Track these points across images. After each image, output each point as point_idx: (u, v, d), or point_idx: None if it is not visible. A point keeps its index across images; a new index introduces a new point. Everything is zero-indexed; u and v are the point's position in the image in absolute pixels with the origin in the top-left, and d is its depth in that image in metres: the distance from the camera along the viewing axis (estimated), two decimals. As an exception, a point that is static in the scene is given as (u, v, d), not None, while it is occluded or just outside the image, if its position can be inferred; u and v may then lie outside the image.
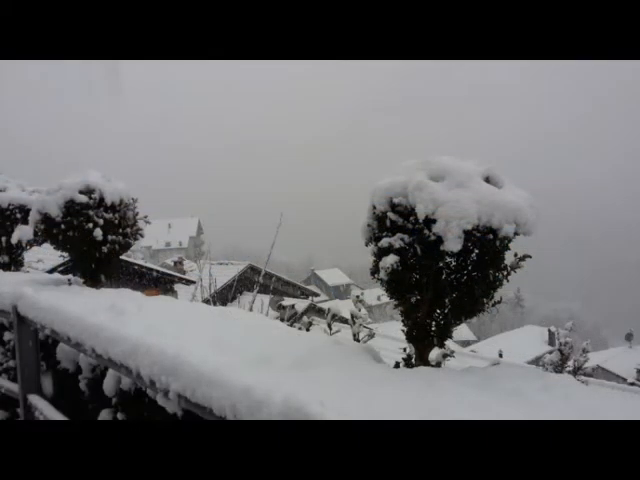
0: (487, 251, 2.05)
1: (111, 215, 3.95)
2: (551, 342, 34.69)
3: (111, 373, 2.53)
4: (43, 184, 4.53)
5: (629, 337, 38.12)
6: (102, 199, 3.90)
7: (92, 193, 3.86)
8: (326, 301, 32.88)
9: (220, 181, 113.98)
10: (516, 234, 2.05)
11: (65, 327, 2.50)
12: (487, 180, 2.13)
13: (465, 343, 37.51)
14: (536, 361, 24.16)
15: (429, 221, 1.98)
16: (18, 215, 5.25)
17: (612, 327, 57.95)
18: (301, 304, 16.37)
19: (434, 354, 2.39)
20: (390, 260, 2.05)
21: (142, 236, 4.27)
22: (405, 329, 2.27)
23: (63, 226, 3.77)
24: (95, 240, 3.85)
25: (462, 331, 40.33)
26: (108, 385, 2.55)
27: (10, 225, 5.21)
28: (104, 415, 2.61)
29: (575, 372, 9.35)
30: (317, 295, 27.41)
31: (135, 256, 18.82)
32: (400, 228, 2.08)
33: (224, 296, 15.22)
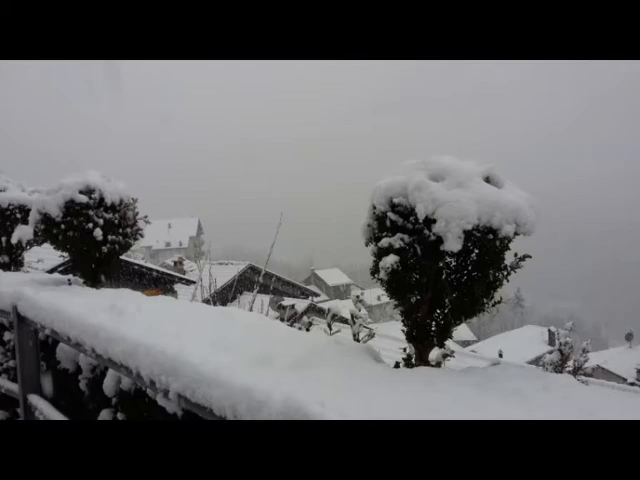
0: (487, 251, 2.05)
1: (111, 215, 3.95)
2: (551, 342, 34.69)
3: (111, 373, 2.53)
4: (43, 184, 4.54)
5: (629, 337, 38.10)
6: (102, 199, 3.90)
7: (92, 193, 3.86)
8: (326, 301, 32.86)
9: (220, 181, 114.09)
10: (516, 234, 2.05)
11: (65, 327, 2.50)
12: (487, 180, 2.13)
13: (465, 343, 37.48)
14: (536, 361, 24.17)
15: (429, 221, 1.98)
16: (18, 215, 5.26)
17: (612, 327, 57.98)
18: (301, 304, 16.37)
19: (434, 354, 2.38)
20: (390, 260, 2.05)
21: (142, 236, 4.27)
22: (405, 329, 2.27)
23: (63, 226, 3.77)
24: (95, 240, 3.85)
25: (462, 331, 40.34)
26: (108, 385, 2.55)
27: (10, 225, 5.21)
28: (104, 415, 2.61)
29: (575, 372, 9.33)
30: (317, 295, 27.40)
31: (135, 256, 18.80)
32: (400, 228, 2.08)
33: (224, 296, 15.19)
